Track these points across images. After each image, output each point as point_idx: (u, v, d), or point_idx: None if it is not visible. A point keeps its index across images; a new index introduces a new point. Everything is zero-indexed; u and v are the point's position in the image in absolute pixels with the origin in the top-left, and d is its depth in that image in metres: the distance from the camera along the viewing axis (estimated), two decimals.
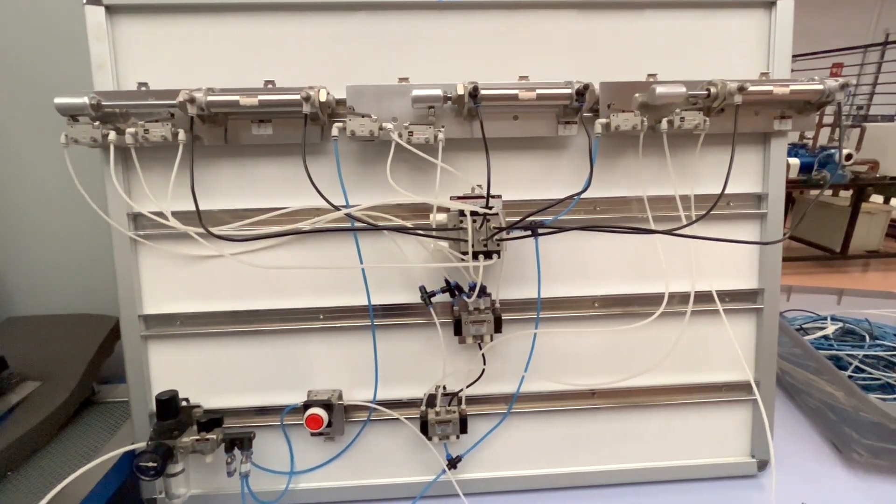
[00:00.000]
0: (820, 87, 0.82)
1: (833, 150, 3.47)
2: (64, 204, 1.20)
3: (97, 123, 0.78)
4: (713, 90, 0.80)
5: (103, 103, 0.76)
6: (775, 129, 0.89)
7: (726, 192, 0.82)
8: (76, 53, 0.89)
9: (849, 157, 3.50)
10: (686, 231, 0.81)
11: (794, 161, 3.28)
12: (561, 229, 0.83)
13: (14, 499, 0.81)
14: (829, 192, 4.02)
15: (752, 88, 0.79)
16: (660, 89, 0.78)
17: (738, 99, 0.79)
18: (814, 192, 3.54)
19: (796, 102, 0.86)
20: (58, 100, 0.75)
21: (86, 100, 0.74)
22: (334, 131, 0.79)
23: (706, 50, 0.90)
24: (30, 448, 0.91)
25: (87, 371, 1.04)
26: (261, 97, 0.76)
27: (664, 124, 0.82)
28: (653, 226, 0.88)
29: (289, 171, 0.87)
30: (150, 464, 0.77)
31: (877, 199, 4.20)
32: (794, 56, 0.90)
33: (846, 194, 3.96)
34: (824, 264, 3.85)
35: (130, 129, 0.77)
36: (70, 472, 0.77)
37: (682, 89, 0.79)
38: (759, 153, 0.93)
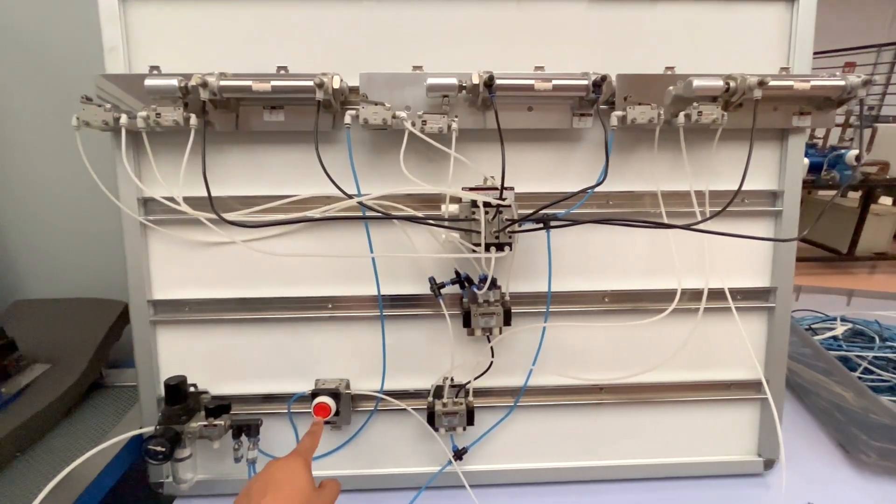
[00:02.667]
0: (841, 83, 0.80)
1: (843, 150, 3.43)
2: (73, 188, 1.20)
3: (109, 106, 0.77)
4: (733, 84, 0.79)
5: (190, 85, 0.74)
6: (794, 125, 0.87)
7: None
8: (87, 36, 0.88)
9: (858, 157, 3.46)
10: (702, 227, 0.80)
11: (804, 161, 3.25)
12: (574, 222, 0.82)
13: (23, 480, 0.82)
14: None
15: (772, 83, 0.78)
16: (697, 82, 0.77)
17: (757, 93, 0.77)
18: (821, 192, 3.51)
19: (816, 98, 0.85)
20: (148, 82, 0.74)
21: (174, 82, 0.74)
22: (347, 119, 0.78)
23: (725, 43, 0.88)
24: (39, 430, 0.91)
25: (96, 355, 1.05)
26: (274, 83, 0.75)
27: (681, 118, 0.81)
28: (666, 221, 0.87)
29: (300, 158, 0.86)
30: (159, 448, 0.77)
31: (885, 200, 4.14)
32: None
33: (854, 195, 3.91)
34: (830, 265, 3.82)
35: (142, 113, 0.76)
36: (78, 455, 0.77)
37: (720, 82, 0.77)
38: (776, 150, 0.91)
